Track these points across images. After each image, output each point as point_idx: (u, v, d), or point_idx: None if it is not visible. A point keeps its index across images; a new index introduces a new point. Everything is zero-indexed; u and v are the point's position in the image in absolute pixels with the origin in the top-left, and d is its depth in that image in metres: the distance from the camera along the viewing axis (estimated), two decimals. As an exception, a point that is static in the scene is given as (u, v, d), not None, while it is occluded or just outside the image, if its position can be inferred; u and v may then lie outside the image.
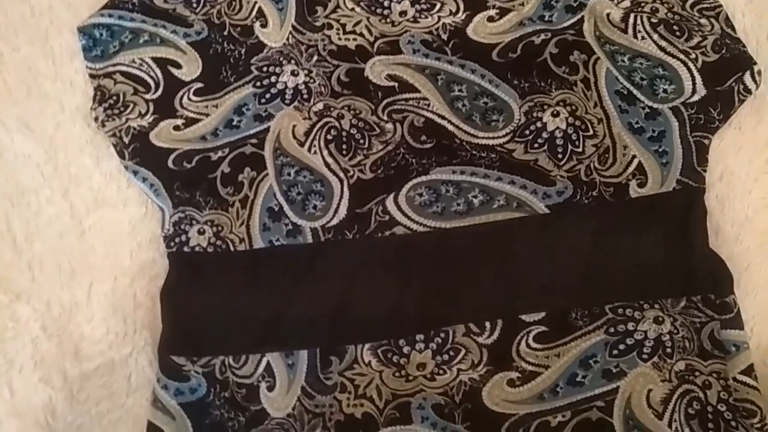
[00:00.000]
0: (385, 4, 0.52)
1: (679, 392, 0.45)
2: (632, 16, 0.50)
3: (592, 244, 0.47)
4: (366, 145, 0.49)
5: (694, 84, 0.48)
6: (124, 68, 0.51)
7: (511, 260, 0.47)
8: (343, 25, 0.51)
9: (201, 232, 0.48)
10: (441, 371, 0.46)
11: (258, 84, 0.50)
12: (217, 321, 0.47)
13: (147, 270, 0.50)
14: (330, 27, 0.51)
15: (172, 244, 0.48)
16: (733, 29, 0.50)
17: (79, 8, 0.53)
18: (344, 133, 0.49)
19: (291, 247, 0.48)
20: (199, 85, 0.50)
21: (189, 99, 0.50)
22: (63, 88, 0.53)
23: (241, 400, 0.47)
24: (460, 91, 0.50)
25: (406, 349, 0.47)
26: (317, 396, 0.46)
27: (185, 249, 0.48)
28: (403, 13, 0.52)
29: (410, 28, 0.51)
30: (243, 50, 0.51)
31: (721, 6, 0.50)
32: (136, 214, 0.51)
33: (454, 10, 0.52)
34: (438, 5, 0.52)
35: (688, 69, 0.48)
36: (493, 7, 0.51)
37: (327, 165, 0.49)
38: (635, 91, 0.49)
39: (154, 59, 0.51)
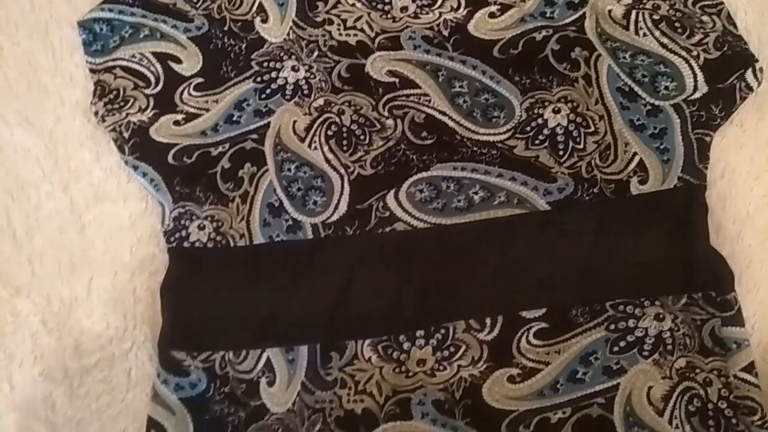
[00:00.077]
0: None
1: (679, 389, 0.45)
2: (634, 12, 0.50)
3: (593, 241, 0.47)
4: (366, 141, 0.49)
5: (695, 81, 0.48)
6: (124, 63, 0.51)
7: (511, 257, 0.47)
8: (344, 21, 0.51)
9: (201, 228, 0.48)
10: (441, 367, 0.46)
11: (258, 79, 0.50)
12: (217, 316, 0.47)
13: (147, 265, 0.50)
14: (331, 22, 0.51)
15: (172, 239, 0.48)
16: (735, 26, 0.49)
17: (79, 3, 0.53)
18: (345, 129, 0.49)
19: (291, 242, 0.48)
20: (200, 80, 0.50)
21: (189, 94, 0.50)
22: (63, 83, 0.52)
23: (241, 395, 0.47)
24: (461, 87, 0.50)
25: (406, 345, 0.46)
26: (317, 391, 0.46)
27: (185, 244, 0.48)
28: (404, 9, 0.52)
29: (411, 23, 0.51)
30: (243, 45, 0.51)
31: (723, 3, 0.50)
32: (136, 209, 0.51)
33: (455, 6, 0.52)
34: (439, 1, 0.52)
35: (690, 66, 0.48)
36: (495, 3, 0.51)
37: (327, 161, 0.49)
38: (637, 88, 0.49)
39: (155, 54, 0.51)
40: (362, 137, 0.49)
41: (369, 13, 0.52)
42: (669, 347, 0.46)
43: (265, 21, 0.52)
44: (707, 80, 0.48)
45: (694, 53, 0.48)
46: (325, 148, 0.49)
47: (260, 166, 0.49)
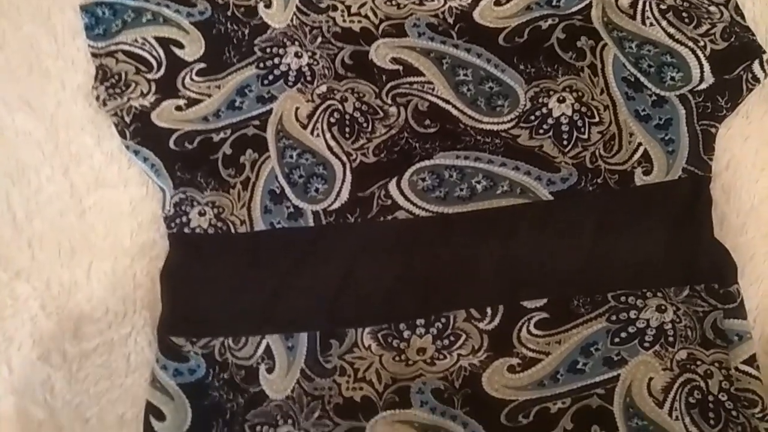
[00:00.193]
0: (391, -14, 0.51)
1: (680, 381, 0.45)
2: (641, 2, 0.49)
3: (596, 231, 0.47)
4: (369, 129, 0.49)
5: (702, 72, 0.48)
6: (126, 47, 0.50)
7: (513, 247, 0.47)
8: (348, 7, 0.51)
9: (202, 214, 0.48)
10: (441, 356, 0.46)
11: (261, 65, 0.50)
12: (216, 302, 0.47)
13: (147, 250, 0.50)
14: (335, 9, 0.51)
15: (173, 224, 0.48)
16: (743, 17, 0.49)
17: (81, -14, 0.53)
18: (347, 116, 0.49)
19: (292, 229, 0.48)
20: (202, 65, 0.50)
21: (191, 79, 0.50)
22: (65, 67, 0.52)
23: (240, 381, 0.47)
24: (465, 75, 0.49)
25: (406, 334, 0.46)
26: (316, 379, 0.46)
27: (186, 230, 0.48)
28: (409, -4, 0.51)
29: (416, 10, 0.51)
30: (246, 31, 0.51)
31: (730, -7, 0.50)
32: (136, 195, 0.51)
33: (460, -7, 0.51)
34: (444, -12, 0.51)
35: (697, 57, 0.48)
36: (501, -9, 0.51)
37: (330, 148, 0.49)
38: (642, 78, 0.48)
39: (157, 39, 0.50)
40: (365, 125, 0.49)
41: (373, 0, 0.51)
42: (670, 339, 0.46)
43: (268, 6, 0.51)
44: (714, 71, 0.48)
45: (701, 44, 0.48)
46: (328, 136, 0.49)
47: (262, 153, 0.49)
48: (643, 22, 0.49)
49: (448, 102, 0.49)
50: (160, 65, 0.50)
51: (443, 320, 0.46)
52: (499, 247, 0.47)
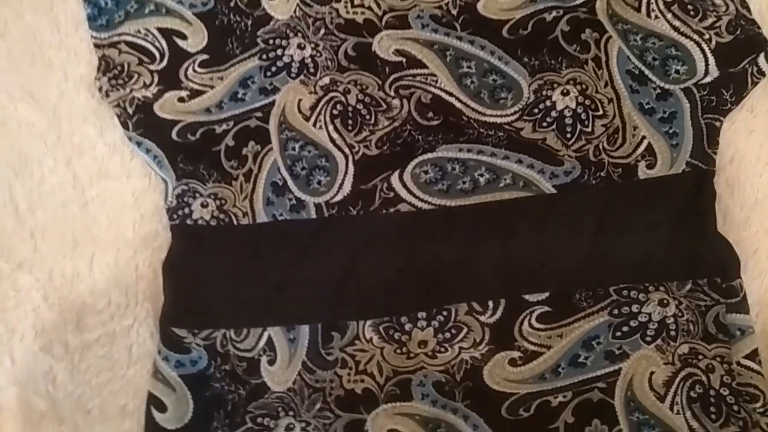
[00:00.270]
0: (394, -23, 0.51)
1: (681, 375, 0.45)
2: (646, -6, 0.49)
3: (599, 225, 0.47)
4: (372, 121, 0.49)
5: (706, 65, 0.47)
6: (129, 38, 0.50)
7: (515, 239, 0.47)
8: (351, -1, 0.51)
9: (204, 205, 0.48)
10: (442, 349, 0.46)
11: (264, 57, 0.50)
12: (218, 294, 0.47)
13: (149, 242, 0.50)
14: (338, 0, 0.51)
15: (175, 216, 0.48)
16: (749, 10, 0.49)
17: (84, -24, 0.53)
18: (350, 109, 0.49)
19: (294, 222, 0.48)
20: (205, 56, 0.50)
21: (194, 71, 0.50)
22: (67, 57, 0.52)
23: (242, 373, 0.47)
24: (468, 67, 0.49)
25: (407, 326, 0.46)
26: (318, 371, 0.46)
27: (188, 222, 0.48)
28: (412, -13, 0.51)
29: (419, 2, 0.50)
30: (249, 22, 0.50)
31: (736, -14, 0.49)
32: (139, 186, 0.51)
33: (464, -15, 0.51)
34: (448, -20, 0.51)
35: (702, 50, 0.47)
36: (505, -18, 0.51)
37: (332, 140, 0.48)
38: (647, 71, 0.48)
39: (160, 30, 0.50)
40: (368, 117, 0.49)
41: (377, -9, 0.51)
42: (672, 333, 0.45)
43: (271, -3, 0.51)
44: (719, 64, 0.47)
45: (706, 37, 0.47)
46: (330, 128, 0.49)
47: (264, 145, 0.48)
48: (648, 15, 0.49)
49: (451, 94, 0.49)
50: (162, 56, 0.50)
51: (445, 313, 0.46)
52: (502, 240, 0.47)
